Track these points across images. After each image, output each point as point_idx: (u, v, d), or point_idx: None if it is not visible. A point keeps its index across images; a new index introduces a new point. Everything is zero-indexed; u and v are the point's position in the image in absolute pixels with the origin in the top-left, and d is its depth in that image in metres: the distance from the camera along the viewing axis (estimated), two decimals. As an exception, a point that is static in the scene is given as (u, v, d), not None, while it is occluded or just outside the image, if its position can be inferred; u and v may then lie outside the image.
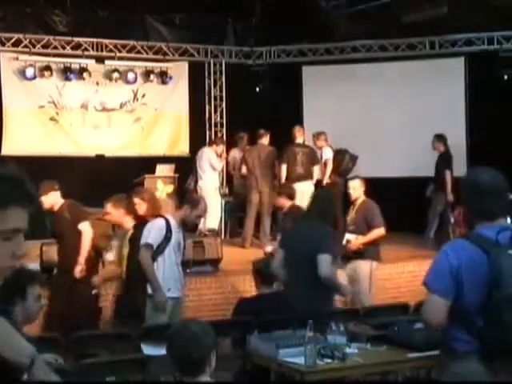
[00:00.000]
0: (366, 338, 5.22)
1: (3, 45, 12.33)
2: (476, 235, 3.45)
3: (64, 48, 12.70)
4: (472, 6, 11.51)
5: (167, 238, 6.61)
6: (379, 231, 8.07)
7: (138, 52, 13.30)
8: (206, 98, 14.12)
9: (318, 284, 5.98)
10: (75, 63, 12.75)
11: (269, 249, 10.30)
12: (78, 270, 7.36)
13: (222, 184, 12.98)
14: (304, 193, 10.99)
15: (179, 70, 13.64)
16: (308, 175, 11.20)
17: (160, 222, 6.69)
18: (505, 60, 12.23)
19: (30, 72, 12.37)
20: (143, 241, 6.61)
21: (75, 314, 7.02)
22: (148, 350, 5.39)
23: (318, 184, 11.32)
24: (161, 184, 11.84)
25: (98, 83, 13.06)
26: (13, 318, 4.02)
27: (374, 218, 8.06)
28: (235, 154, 12.64)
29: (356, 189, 8.20)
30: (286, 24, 13.40)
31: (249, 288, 7.61)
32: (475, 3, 11.56)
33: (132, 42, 13.22)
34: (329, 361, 4.82)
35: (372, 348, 5.15)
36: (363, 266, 8.02)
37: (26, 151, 12.20)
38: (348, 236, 7.99)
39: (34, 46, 12.51)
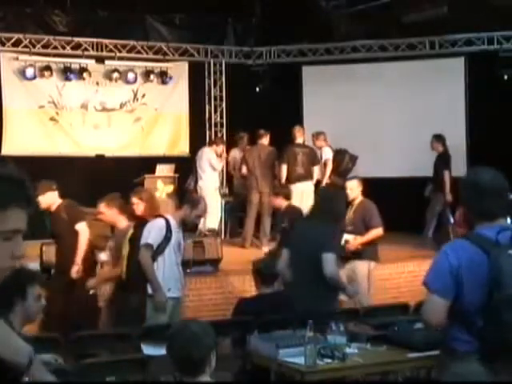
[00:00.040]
0: (366, 338, 5.22)
1: (3, 45, 12.33)
2: (476, 235, 3.45)
3: (64, 48, 12.70)
4: (472, 5, 11.51)
5: (167, 238, 6.61)
6: (377, 231, 8.08)
7: (138, 52, 13.30)
8: (206, 97, 14.12)
9: (323, 283, 5.97)
10: (75, 63, 12.75)
11: (265, 249, 10.33)
12: (75, 270, 7.37)
13: (221, 184, 12.98)
14: (304, 193, 11.02)
15: (179, 70, 13.64)
16: (308, 175, 11.20)
17: (160, 222, 6.68)
18: (505, 60, 12.24)
19: (29, 72, 12.37)
20: (143, 241, 6.61)
21: (72, 315, 7.03)
22: (148, 350, 5.39)
23: (318, 184, 11.31)
24: (161, 184, 11.84)
25: (97, 83, 13.07)
26: (9, 319, 4.02)
27: (371, 219, 8.06)
28: (235, 154, 12.64)
29: (353, 189, 8.19)
30: (286, 24, 13.40)
31: (249, 288, 7.61)
32: (475, 3, 11.56)
33: (132, 42, 13.22)
34: (329, 361, 4.82)
35: (372, 348, 5.15)
36: (361, 267, 8.02)
37: (26, 151, 12.20)
38: (346, 236, 7.99)
39: (34, 46, 12.51)
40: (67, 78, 12.64)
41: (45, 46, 12.58)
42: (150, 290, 6.56)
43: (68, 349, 5.30)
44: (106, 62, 13.07)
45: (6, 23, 12.39)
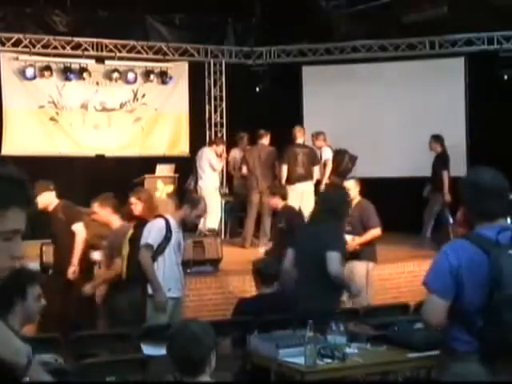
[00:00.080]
0: (366, 338, 5.22)
1: (3, 45, 12.33)
2: (476, 235, 3.45)
3: (64, 48, 12.70)
4: (472, 5, 11.51)
5: (167, 238, 6.61)
6: (375, 232, 8.07)
7: (138, 52, 13.30)
8: (206, 97, 14.12)
9: (327, 282, 5.97)
10: (75, 63, 12.75)
11: (262, 250, 10.33)
12: (71, 271, 7.37)
13: (221, 184, 12.98)
14: (304, 193, 11.02)
15: (179, 70, 13.64)
16: (309, 176, 11.20)
17: (160, 222, 6.68)
18: (505, 60, 12.23)
19: (29, 72, 12.37)
20: (143, 241, 6.61)
21: (70, 315, 7.03)
22: (148, 349, 5.39)
23: (318, 184, 11.31)
24: (161, 184, 11.84)
25: (97, 83, 13.06)
26: (8, 319, 4.02)
27: (369, 219, 8.06)
28: (235, 153, 12.64)
29: (351, 189, 8.18)
30: (286, 24, 13.40)
31: (249, 288, 7.61)
32: (475, 3, 11.56)
33: (132, 42, 13.22)
34: (329, 361, 4.82)
35: (372, 348, 5.15)
36: (359, 267, 8.01)
37: (26, 151, 12.20)
38: (344, 237, 7.98)
39: (34, 46, 12.51)
40: (67, 78, 12.64)
41: (45, 46, 12.58)
42: (150, 290, 6.57)
43: (68, 349, 5.31)
44: (106, 61, 13.07)
45: (6, 23, 12.40)
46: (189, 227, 7.48)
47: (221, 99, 14.16)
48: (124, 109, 13.36)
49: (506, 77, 12.28)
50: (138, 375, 4.89)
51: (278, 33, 13.76)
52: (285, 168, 11.13)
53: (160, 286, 6.52)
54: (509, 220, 3.77)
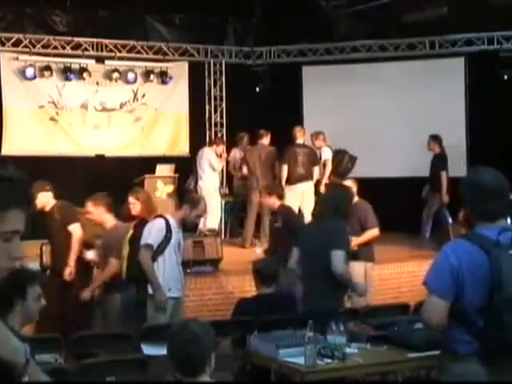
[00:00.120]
0: (366, 338, 5.22)
1: (3, 45, 12.33)
2: (476, 235, 3.44)
3: (64, 48, 12.71)
4: (472, 6, 11.51)
5: (167, 238, 6.61)
6: (373, 232, 8.06)
7: (138, 52, 13.31)
8: (206, 97, 14.12)
9: (332, 281, 5.97)
10: (75, 63, 12.75)
11: (258, 250, 10.34)
12: (68, 272, 7.37)
13: (222, 184, 12.98)
14: (305, 193, 11.02)
15: (179, 70, 13.64)
16: (309, 176, 11.19)
17: (160, 222, 6.68)
18: (505, 60, 12.24)
19: (29, 72, 12.37)
20: (143, 241, 6.61)
21: (66, 315, 7.02)
22: (148, 350, 5.39)
23: (318, 184, 11.31)
24: (161, 184, 11.84)
25: (97, 83, 13.06)
26: (8, 319, 4.02)
27: (367, 219, 8.05)
28: (236, 153, 12.63)
29: None
30: (286, 24, 13.41)
31: (249, 288, 7.61)
32: (475, 3, 11.56)
33: (132, 42, 13.22)
34: (329, 361, 4.82)
35: (372, 348, 5.14)
36: (358, 268, 7.99)
37: (26, 151, 12.21)
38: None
39: (34, 46, 12.51)
40: (67, 78, 12.64)
41: (45, 46, 12.58)
42: (150, 290, 6.57)
43: (68, 349, 5.31)
44: (106, 62, 13.07)
45: (6, 23, 12.40)
46: (189, 227, 7.48)
47: (221, 99, 14.16)
48: (124, 109, 13.36)
49: (506, 77, 12.28)
50: (138, 375, 4.89)
51: (278, 33, 13.77)
52: (285, 168, 11.13)
53: (160, 285, 6.52)
54: (509, 220, 3.77)
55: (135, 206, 7.29)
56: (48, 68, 12.50)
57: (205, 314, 7.97)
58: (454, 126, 12.51)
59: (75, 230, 7.47)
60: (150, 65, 13.37)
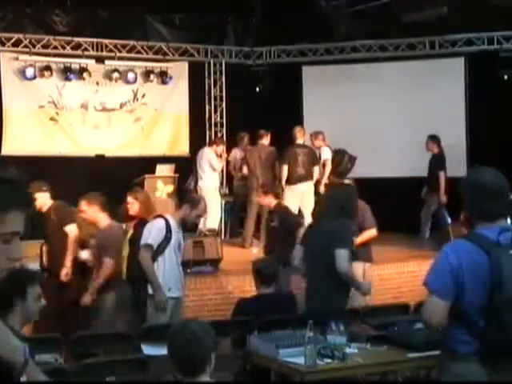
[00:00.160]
0: (366, 338, 5.22)
1: (3, 45, 12.33)
2: (477, 235, 3.44)
3: (64, 48, 12.71)
4: (472, 5, 11.51)
5: (167, 238, 6.61)
6: (371, 232, 8.04)
7: (138, 52, 13.31)
8: (206, 97, 14.12)
9: (336, 279, 5.98)
10: (75, 63, 12.75)
11: (255, 250, 10.35)
12: (64, 272, 7.37)
13: (222, 184, 12.98)
14: (305, 193, 11.03)
15: (179, 70, 13.64)
16: (309, 176, 11.19)
17: (160, 222, 6.68)
18: (505, 60, 12.24)
19: (29, 72, 12.37)
20: (143, 241, 6.61)
21: (63, 316, 7.02)
22: (148, 350, 5.39)
23: (317, 184, 11.30)
24: (161, 184, 11.84)
25: (98, 83, 13.06)
26: (8, 319, 4.02)
27: (365, 220, 8.03)
28: (236, 154, 12.63)
29: None
30: (286, 24, 13.41)
31: (249, 288, 7.61)
32: (475, 3, 11.56)
33: (132, 42, 13.22)
34: (329, 361, 4.81)
35: (372, 348, 5.14)
36: (356, 268, 7.96)
37: (26, 151, 12.21)
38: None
39: (34, 46, 12.51)
40: (67, 78, 12.64)
41: (45, 46, 12.58)
42: (150, 290, 6.57)
43: (68, 349, 5.31)
44: (106, 62, 13.07)
45: (6, 23, 12.40)
46: (189, 227, 7.47)
47: (221, 99, 14.16)
48: (124, 109, 13.36)
49: (506, 77, 12.28)
50: (138, 375, 4.89)
51: (278, 33, 13.77)
52: (285, 168, 11.12)
53: (160, 285, 6.53)
54: (509, 220, 3.76)
55: (133, 205, 7.29)
56: (48, 68, 12.50)
57: (205, 313, 7.97)
58: (453, 126, 12.52)
59: (71, 230, 7.47)
60: (149, 65, 13.37)
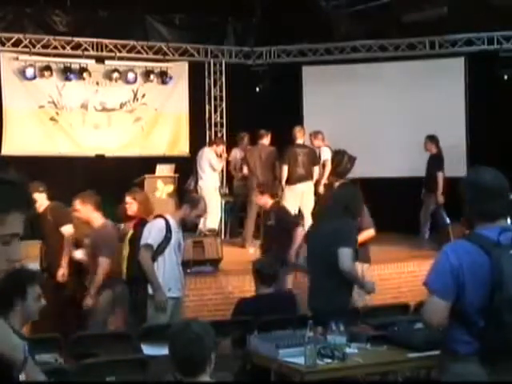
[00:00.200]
0: (366, 338, 5.22)
1: (3, 45, 12.33)
2: (477, 236, 3.44)
3: (64, 48, 12.71)
4: (472, 5, 11.51)
5: (167, 238, 6.61)
6: (368, 233, 8.02)
7: (138, 52, 13.31)
8: (206, 97, 14.12)
9: (339, 279, 5.98)
10: (75, 63, 12.76)
11: (251, 250, 10.35)
12: (60, 273, 7.37)
13: (222, 184, 12.98)
14: (304, 193, 11.03)
15: (179, 70, 13.64)
16: (309, 176, 11.19)
17: (160, 222, 6.68)
18: (505, 60, 12.24)
19: (29, 72, 12.37)
20: (143, 241, 6.61)
21: (61, 316, 7.01)
22: (148, 350, 5.39)
23: (317, 184, 11.30)
24: (161, 184, 11.84)
25: (98, 83, 13.06)
26: (9, 319, 4.03)
27: (362, 220, 8.00)
28: (236, 154, 12.63)
29: None
30: (286, 24, 13.41)
31: (249, 288, 7.61)
32: (475, 3, 11.56)
33: (132, 42, 13.22)
34: (329, 361, 4.82)
35: (372, 348, 5.14)
36: None
37: (26, 151, 12.22)
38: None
39: (34, 46, 12.51)
40: (67, 78, 12.64)
41: (45, 46, 12.58)
42: (150, 290, 6.57)
43: (68, 349, 5.31)
44: (106, 62, 13.07)
45: (6, 23, 12.40)
46: (189, 227, 7.47)
47: (221, 99, 14.16)
48: (124, 109, 13.36)
49: (506, 77, 12.28)
50: (138, 375, 4.89)
51: (278, 33, 13.77)
52: (285, 168, 11.12)
53: (160, 285, 6.53)
54: (509, 220, 3.76)
55: (132, 206, 7.27)
56: (48, 68, 12.51)
57: (205, 314, 7.97)
58: (453, 126, 12.52)
59: (67, 231, 7.47)
60: (150, 65, 13.37)
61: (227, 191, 13.16)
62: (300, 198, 10.93)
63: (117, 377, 4.79)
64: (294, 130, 11.37)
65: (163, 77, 13.33)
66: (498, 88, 12.15)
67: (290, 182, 11.04)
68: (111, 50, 13.06)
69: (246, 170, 11.75)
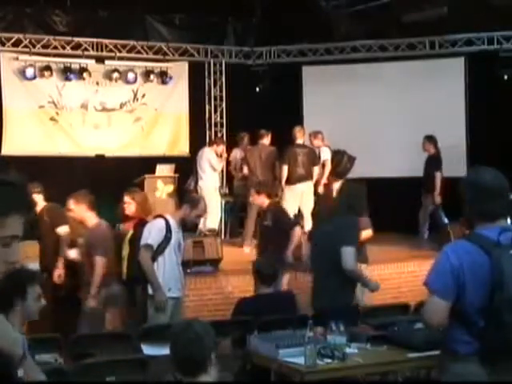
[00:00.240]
0: (366, 338, 5.22)
1: (3, 45, 12.33)
2: (477, 236, 3.44)
3: (64, 48, 12.71)
4: (472, 5, 11.51)
5: (167, 238, 6.61)
6: (366, 233, 8.03)
7: (138, 52, 13.30)
8: (206, 97, 14.12)
9: (342, 277, 5.98)
10: (75, 63, 12.75)
11: (247, 250, 10.34)
12: (57, 274, 7.36)
13: (222, 184, 12.98)
14: (304, 193, 11.02)
15: (179, 70, 13.64)
16: (309, 176, 11.19)
17: (160, 222, 6.69)
18: (505, 60, 12.24)
19: (29, 72, 12.37)
20: (143, 241, 6.61)
21: (57, 317, 7.01)
22: (148, 350, 5.39)
23: (316, 184, 11.30)
24: (161, 184, 11.84)
25: (98, 83, 13.06)
26: (9, 319, 4.02)
27: (360, 220, 8.01)
28: (236, 154, 12.63)
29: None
30: (286, 24, 13.41)
31: (249, 288, 7.61)
32: (475, 3, 11.56)
33: (132, 42, 13.22)
34: (329, 361, 4.82)
35: (372, 348, 5.15)
36: None
37: (26, 151, 12.21)
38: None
39: (34, 46, 12.51)
40: (67, 78, 12.64)
41: (45, 46, 12.58)
42: (150, 291, 6.57)
43: (68, 349, 5.31)
44: (106, 62, 13.06)
45: (6, 23, 12.40)
46: (189, 227, 7.47)
47: (221, 99, 14.16)
48: (124, 109, 13.36)
49: (506, 77, 12.28)
50: (138, 375, 4.89)
51: (278, 33, 13.76)
52: (285, 168, 11.12)
53: (160, 285, 6.53)
54: (509, 220, 3.76)
55: (130, 206, 7.26)
56: (48, 68, 12.50)
57: (205, 314, 7.97)
58: (454, 126, 12.52)
59: (63, 232, 7.46)
60: (150, 65, 13.37)
61: (227, 191, 13.16)
62: (300, 198, 10.93)
63: (117, 377, 4.79)
64: (293, 130, 11.37)
65: (163, 77, 13.33)
66: (498, 88, 12.15)
67: (289, 181, 11.03)
68: (111, 50, 13.06)
69: (246, 169, 11.75)
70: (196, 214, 6.87)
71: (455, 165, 11.14)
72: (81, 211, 7.08)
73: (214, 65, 14.15)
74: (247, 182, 11.77)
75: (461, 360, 3.43)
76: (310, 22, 13.17)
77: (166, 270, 6.60)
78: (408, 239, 11.51)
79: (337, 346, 4.94)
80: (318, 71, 13.87)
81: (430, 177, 11.00)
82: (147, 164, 12.38)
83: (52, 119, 12.86)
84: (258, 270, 6.54)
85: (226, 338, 5.44)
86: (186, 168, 12.30)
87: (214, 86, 14.15)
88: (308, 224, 10.55)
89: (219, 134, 13.89)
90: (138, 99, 13.41)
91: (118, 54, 13.10)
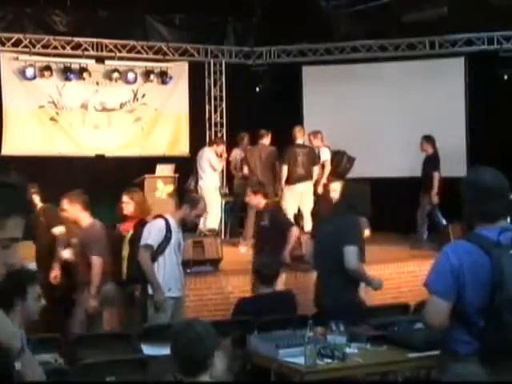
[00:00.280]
0: (366, 338, 5.22)
1: (3, 45, 12.33)
2: (477, 236, 3.44)
3: (64, 48, 12.71)
4: (472, 5, 11.51)
5: (167, 238, 6.61)
6: (364, 233, 8.03)
7: (138, 52, 13.31)
8: (206, 97, 14.12)
9: (345, 276, 5.98)
10: (75, 63, 12.75)
11: (243, 250, 10.33)
12: (53, 275, 7.35)
13: (222, 184, 12.98)
14: (304, 193, 11.03)
15: (179, 70, 13.64)
16: (308, 176, 11.19)
17: (159, 222, 6.69)
18: (505, 60, 12.24)
19: (29, 72, 12.37)
20: (143, 242, 6.61)
21: (53, 317, 7.01)
22: (148, 350, 5.39)
23: (316, 185, 11.29)
24: (161, 184, 11.84)
25: (98, 83, 13.06)
26: (9, 318, 4.03)
27: None
28: (236, 153, 12.63)
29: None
30: (286, 24, 13.40)
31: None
32: (475, 3, 11.56)
33: (132, 42, 13.22)
34: (329, 361, 4.82)
35: (372, 348, 5.15)
36: None
37: (26, 151, 12.22)
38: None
39: (34, 46, 12.51)
40: (67, 78, 12.64)
41: (45, 46, 12.58)
42: (150, 291, 6.57)
43: (68, 349, 5.31)
44: (106, 62, 13.07)
45: (6, 23, 12.40)
46: (189, 227, 7.46)
47: (221, 99, 14.16)
48: (124, 109, 13.36)
49: (506, 77, 12.28)
50: (138, 375, 4.89)
51: (278, 33, 13.76)
52: (285, 168, 11.12)
53: (159, 285, 6.53)
54: (509, 220, 3.76)
55: (128, 206, 7.24)
56: (48, 68, 12.51)
57: (205, 314, 7.97)
58: (453, 125, 12.51)
59: (59, 232, 7.46)
60: (150, 65, 13.37)
61: (227, 191, 13.16)
62: (299, 198, 10.93)
63: (117, 377, 4.80)
64: (293, 130, 11.37)
65: (163, 77, 13.34)
66: (498, 88, 12.15)
67: (289, 181, 11.03)
68: (111, 50, 13.06)
69: (246, 169, 11.74)
70: (196, 213, 6.87)
71: (455, 165, 11.14)
72: (75, 211, 7.03)
73: (214, 65, 14.15)
74: (247, 182, 11.77)
75: (461, 360, 3.43)
76: (309, 21, 13.17)
77: (166, 270, 6.60)
78: (408, 239, 11.51)
79: (337, 346, 4.94)
80: (318, 71, 13.87)
81: (428, 177, 10.99)
82: (147, 164, 12.39)
83: (52, 119, 12.87)
84: (258, 270, 6.55)
85: (225, 338, 5.44)
86: (186, 168, 12.30)
87: (214, 86, 14.15)
88: (308, 224, 10.56)
89: (219, 134, 13.89)
90: (138, 99, 13.41)
91: (118, 54, 13.10)
